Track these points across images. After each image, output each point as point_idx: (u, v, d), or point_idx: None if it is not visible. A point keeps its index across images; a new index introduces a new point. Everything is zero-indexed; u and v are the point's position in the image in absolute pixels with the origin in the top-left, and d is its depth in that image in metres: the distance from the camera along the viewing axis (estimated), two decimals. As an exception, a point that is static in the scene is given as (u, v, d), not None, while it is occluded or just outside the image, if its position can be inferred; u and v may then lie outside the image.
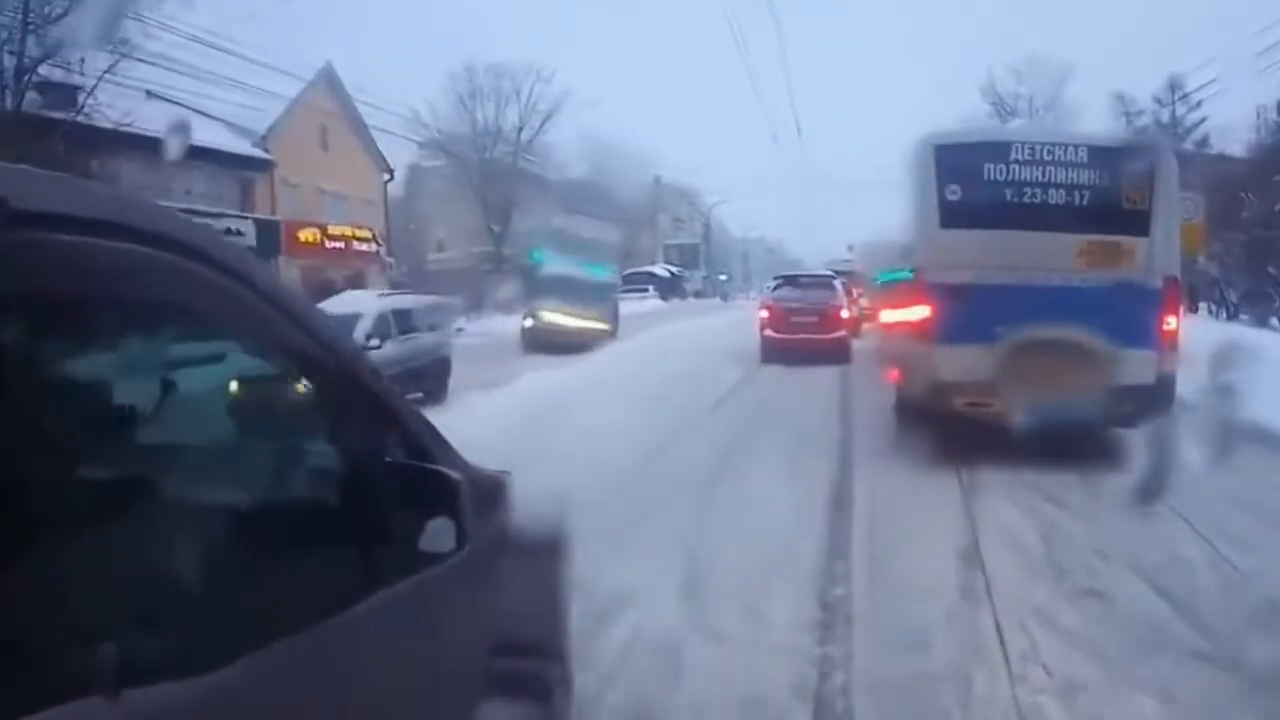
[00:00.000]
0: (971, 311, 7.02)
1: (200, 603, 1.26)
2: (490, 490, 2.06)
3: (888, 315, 7.61)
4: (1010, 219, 7.10)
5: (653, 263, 47.95)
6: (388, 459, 1.71)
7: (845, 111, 78.81)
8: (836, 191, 48.93)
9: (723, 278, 54.76)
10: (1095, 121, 32.87)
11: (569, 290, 19.76)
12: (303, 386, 1.65)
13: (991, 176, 7.19)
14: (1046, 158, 7.17)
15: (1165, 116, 34.63)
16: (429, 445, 1.82)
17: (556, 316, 19.39)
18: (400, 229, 41.97)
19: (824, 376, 12.91)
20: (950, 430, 7.28)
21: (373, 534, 1.61)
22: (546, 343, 17.69)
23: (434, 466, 1.76)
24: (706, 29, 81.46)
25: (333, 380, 1.62)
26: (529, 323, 19.97)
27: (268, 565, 1.43)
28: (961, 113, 35.21)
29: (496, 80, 38.70)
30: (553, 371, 9.83)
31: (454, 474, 1.73)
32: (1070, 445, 6.90)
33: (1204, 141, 34.14)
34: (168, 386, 1.60)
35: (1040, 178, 7.14)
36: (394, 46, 58.12)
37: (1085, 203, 7.10)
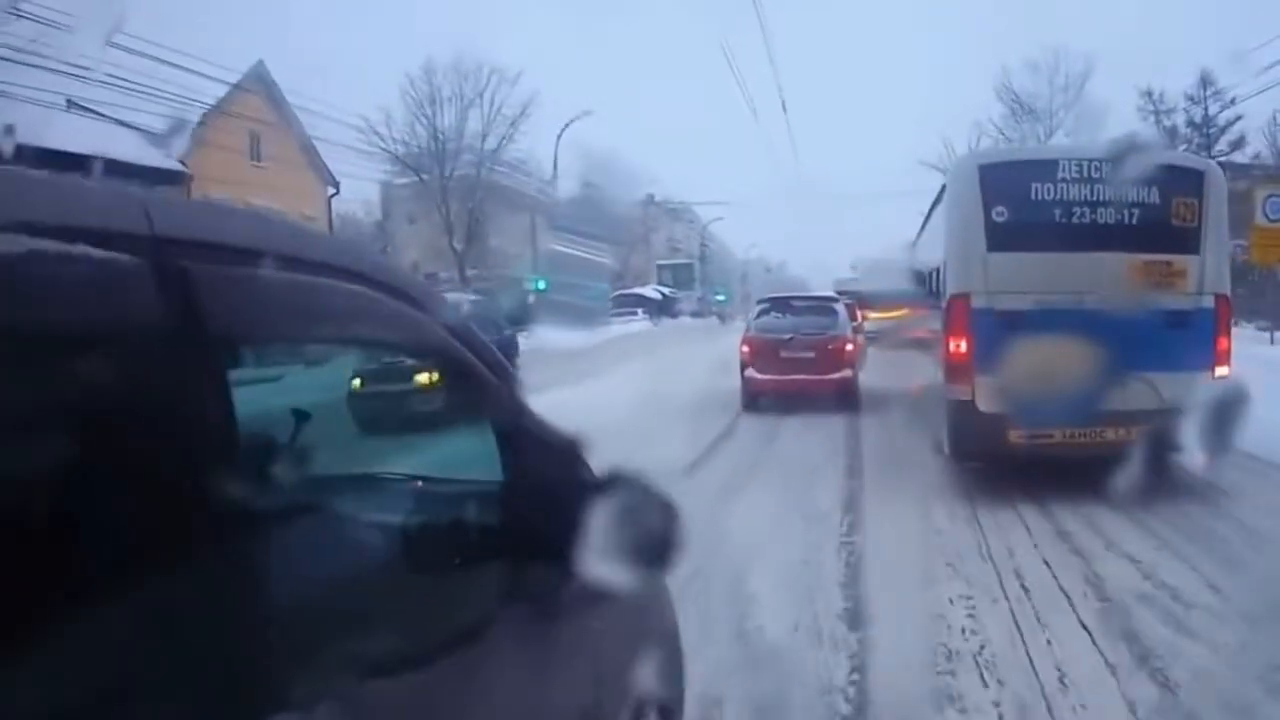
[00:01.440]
0: (1022, 338, 6.82)
1: (374, 619, 1.38)
2: None
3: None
4: (1060, 240, 6.99)
5: (645, 284, 45.54)
6: (557, 475, 1.73)
7: (845, 118, 75.96)
8: (837, 204, 46.12)
9: (719, 298, 51.83)
10: (1122, 122, 30.39)
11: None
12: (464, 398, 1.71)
13: (1039, 196, 7.05)
14: (1094, 175, 7.02)
15: (1198, 116, 32.32)
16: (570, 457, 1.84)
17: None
18: (378, 253, 39.45)
19: (825, 435, 9.55)
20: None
21: (562, 547, 1.57)
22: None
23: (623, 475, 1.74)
24: (701, 43, 78.82)
25: (493, 393, 1.66)
26: (356, 383, 8.46)
27: (434, 583, 1.51)
28: (974, 117, 33.15)
29: (459, 83, 35.50)
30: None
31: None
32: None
33: (1239, 142, 31.91)
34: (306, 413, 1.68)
35: (1089, 196, 7.02)
36: (346, 48, 53.92)
37: (1135, 221, 7.05)
